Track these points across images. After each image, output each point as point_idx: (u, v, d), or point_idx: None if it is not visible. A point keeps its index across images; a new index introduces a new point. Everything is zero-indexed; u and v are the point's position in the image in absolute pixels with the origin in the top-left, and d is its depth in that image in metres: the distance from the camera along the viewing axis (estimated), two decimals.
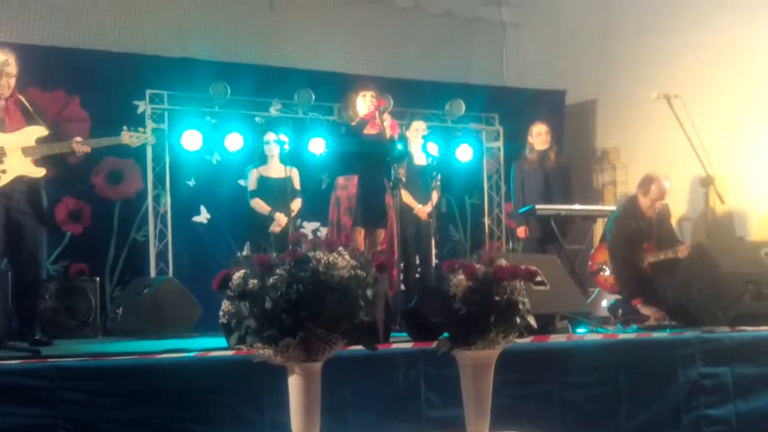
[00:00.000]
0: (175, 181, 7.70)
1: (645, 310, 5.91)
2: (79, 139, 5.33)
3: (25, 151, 5.13)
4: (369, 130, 6.27)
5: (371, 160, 6.12)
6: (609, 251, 6.41)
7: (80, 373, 3.39)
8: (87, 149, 5.34)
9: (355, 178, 6.26)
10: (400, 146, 6.25)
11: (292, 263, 3.01)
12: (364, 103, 6.26)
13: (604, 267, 6.72)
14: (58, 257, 7.23)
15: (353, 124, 6.27)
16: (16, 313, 4.69)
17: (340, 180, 6.41)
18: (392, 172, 5.87)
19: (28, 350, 4.24)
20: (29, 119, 5.24)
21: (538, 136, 7.69)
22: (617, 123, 9.03)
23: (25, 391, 3.27)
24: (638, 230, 6.26)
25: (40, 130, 5.22)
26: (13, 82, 5.20)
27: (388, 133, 6.12)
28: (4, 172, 5.07)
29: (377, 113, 6.11)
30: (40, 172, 5.19)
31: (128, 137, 5.62)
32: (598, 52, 9.05)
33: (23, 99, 5.29)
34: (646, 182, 6.29)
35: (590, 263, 7.05)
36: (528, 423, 3.80)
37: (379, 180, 6.10)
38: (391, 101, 8.02)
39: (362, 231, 6.20)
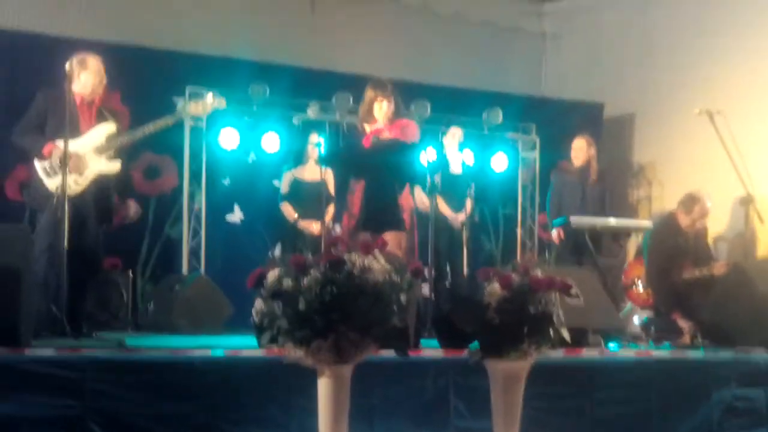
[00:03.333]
0: (211, 180, 7.74)
1: (683, 324, 5.85)
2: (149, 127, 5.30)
3: (98, 149, 5.18)
4: (383, 135, 5.88)
5: (375, 166, 5.93)
6: (646, 266, 6.36)
7: (111, 366, 3.41)
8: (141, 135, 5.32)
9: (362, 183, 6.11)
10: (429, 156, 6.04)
11: (327, 265, 3.00)
12: (379, 110, 5.82)
13: (637, 282, 6.65)
14: None
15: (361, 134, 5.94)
16: (68, 307, 4.71)
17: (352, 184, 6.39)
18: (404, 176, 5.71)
19: (115, 342, 4.31)
20: (100, 118, 5.28)
21: (579, 151, 7.60)
22: (655, 138, 8.94)
23: (56, 382, 3.30)
24: (676, 247, 6.20)
25: (109, 127, 5.24)
26: (100, 88, 5.28)
27: (405, 139, 5.81)
28: (81, 176, 5.12)
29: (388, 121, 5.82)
30: (114, 168, 5.21)
31: (191, 108, 5.53)
32: (637, 65, 8.98)
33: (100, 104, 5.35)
34: (690, 201, 6.24)
35: (624, 278, 6.98)
36: None
37: (387, 183, 5.89)
38: (428, 107, 8.02)
39: (366, 235, 6.02)
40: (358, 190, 6.09)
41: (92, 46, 6.98)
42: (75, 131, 5.09)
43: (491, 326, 3.31)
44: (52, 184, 5.03)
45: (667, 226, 6.34)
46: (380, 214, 5.79)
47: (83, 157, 5.10)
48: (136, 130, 5.27)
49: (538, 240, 8.95)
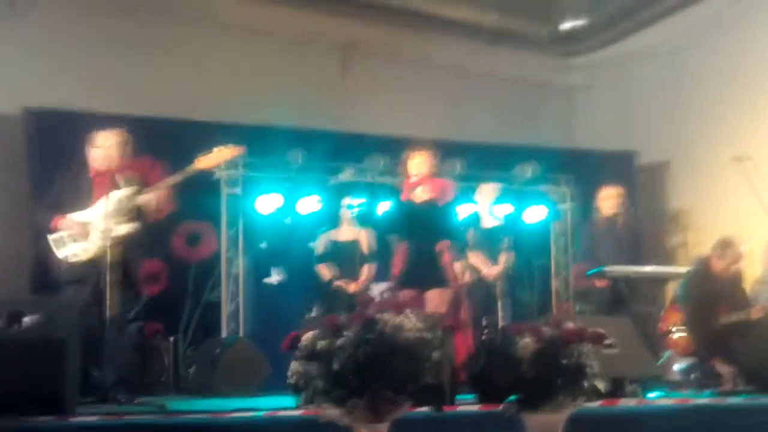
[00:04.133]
0: (248, 244, 7.88)
1: (724, 369, 5.79)
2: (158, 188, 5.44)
3: (107, 216, 5.30)
4: (420, 196, 6.06)
5: (417, 225, 6.06)
6: (684, 312, 6.33)
7: (153, 430, 3.48)
8: (165, 192, 5.45)
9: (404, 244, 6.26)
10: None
11: (360, 325, 3.07)
12: (413, 165, 6.01)
13: (675, 329, 6.59)
14: (135, 316, 7.43)
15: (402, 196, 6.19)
16: (102, 372, 4.83)
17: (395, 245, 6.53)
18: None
19: (158, 407, 4.42)
20: (114, 186, 5.43)
21: (607, 200, 7.62)
22: (690, 184, 8.92)
23: None
24: (712, 292, 6.17)
25: (122, 193, 5.38)
26: (114, 161, 5.48)
27: (442, 199, 5.98)
28: (90, 244, 5.25)
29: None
30: (130, 229, 5.31)
31: (202, 162, 5.56)
32: (668, 114, 9.01)
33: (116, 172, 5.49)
34: (723, 246, 6.23)
35: (661, 324, 6.92)
36: None
37: (428, 242, 6.01)
38: (459, 164, 8.12)
39: (408, 293, 6.11)
40: (400, 251, 6.22)
41: (132, 120, 7.30)
42: (88, 203, 5.31)
43: (525, 380, 3.33)
44: (62, 254, 5.25)
45: (702, 271, 6.32)
46: (423, 271, 5.91)
47: (87, 225, 5.25)
48: (148, 191, 5.40)
49: (574, 291, 8.92)
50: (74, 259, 5.22)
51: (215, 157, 5.58)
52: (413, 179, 5.95)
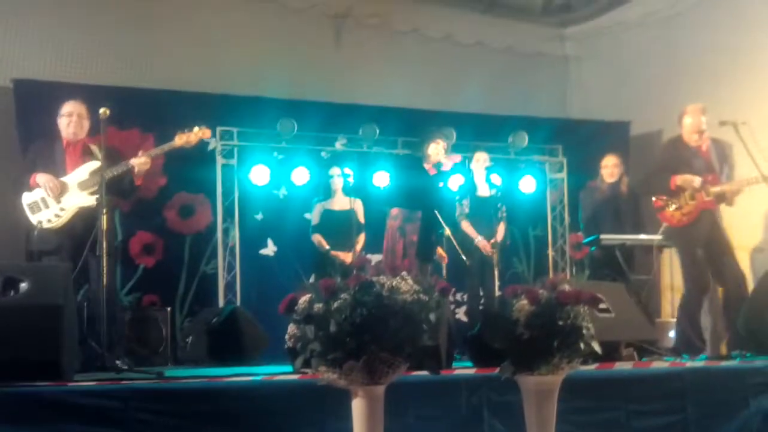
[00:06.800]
0: (244, 215, 7.88)
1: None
2: (139, 158, 5.45)
3: (81, 185, 5.38)
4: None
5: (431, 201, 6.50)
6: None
7: (152, 395, 3.49)
8: (146, 163, 5.45)
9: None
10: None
11: (357, 287, 3.07)
12: (435, 149, 6.97)
13: (670, 203, 6.37)
14: (131, 289, 7.46)
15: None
16: (97, 341, 4.85)
17: (393, 211, 6.66)
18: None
19: (153, 374, 4.44)
20: (86, 157, 5.50)
21: (608, 168, 7.64)
22: None
23: (99, 412, 3.39)
24: (678, 157, 6.18)
25: (93, 164, 5.43)
26: (81, 130, 5.54)
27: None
28: (63, 210, 5.32)
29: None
30: (92, 201, 5.31)
31: (181, 139, 5.66)
32: (662, 81, 8.98)
33: (89, 143, 5.57)
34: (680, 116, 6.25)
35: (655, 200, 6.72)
36: None
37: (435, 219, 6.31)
38: (454, 135, 8.12)
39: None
40: (390, 224, 6.44)
41: (125, 91, 7.30)
42: (62, 171, 5.38)
43: (521, 341, 3.35)
44: (35, 219, 5.32)
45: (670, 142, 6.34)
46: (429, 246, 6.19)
47: (66, 185, 5.32)
48: (117, 165, 5.39)
49: (570, 259, 8.95)
50: (48, 225, 5.26)
51: (195, 136, 5.69)
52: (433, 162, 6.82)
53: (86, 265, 5.24)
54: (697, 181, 6.03)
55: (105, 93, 6.74)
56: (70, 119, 5.50)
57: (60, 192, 5.31)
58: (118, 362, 4.80)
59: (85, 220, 5.27)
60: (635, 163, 9.01)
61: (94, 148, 5.52)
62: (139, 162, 5.42)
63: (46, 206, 5.33)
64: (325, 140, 8.15)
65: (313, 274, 7.16)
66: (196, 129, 5.75)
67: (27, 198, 5.38)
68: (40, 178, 5.33)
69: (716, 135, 7.04)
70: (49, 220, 5.30)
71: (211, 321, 6.53)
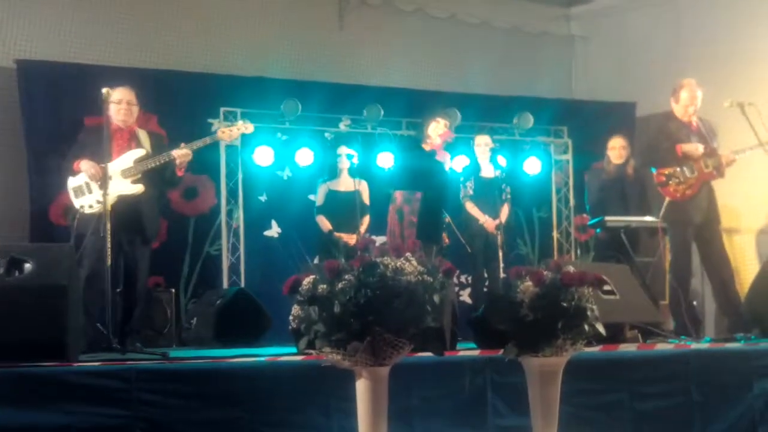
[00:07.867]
0: (248, 197, 7.87)
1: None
2: (181, 150, 5.49)
3: (125, 173, 5.40)
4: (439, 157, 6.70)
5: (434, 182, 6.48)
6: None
7: (157, 376, 3.51)
8: (188, 155, 5.50)
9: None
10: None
11: (361, 269, 3.07)
12: (436, 129, 6.73)
13: (669, 181, 6.36)
14: None
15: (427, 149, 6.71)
16: (113, 324, 4.90)
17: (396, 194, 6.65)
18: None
19: (158, 354, 4.48)
20: (133, 143, 5.54)
21: (615, 150, 7.61)
22: None
23: (104, 392, 3.41)
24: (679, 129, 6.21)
25: (138, 152, 5.48)
26: (130, 117, 5.58)
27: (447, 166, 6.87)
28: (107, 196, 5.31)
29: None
30: (137, 190, 5.39)
31: (224, 133, 5.82)
32: (668, 62, 8.92)
33: (137, 129, 5.63)
34: (676, 89, 6.29)
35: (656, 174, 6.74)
36: None
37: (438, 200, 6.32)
38: (459, 116, 8.09)
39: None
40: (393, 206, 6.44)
41: (128, 72, 7.27)
42: (108, 156, 5.33)
43: (525, 323, 3.35)
44: (78, 203, 5.36)
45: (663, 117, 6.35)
46: (432, 228, 6.16)
47: (109, 172, 5.28)
48: (160, 155, 5.47)
49: (575, 241, 8.94)
50: (90, 211, 5.28)
51: (237, 130, 5.90)
52: (435, 142, 6.68)
53: (124, 252, 5.33)
54: (700, 147, 6.03)
55: (108, 73, 6.72)
56: (119, 106, 5.50)
57: (101, 179, 5.30)
58: (138, 344, 4.91)
59: (127, 206, 5.31)
60: (641, 144, 8.98)
61: (142, 133, 5.59)
62: (181, 154, 5.47)
63: (90, 191, 5.36)
64: (330, 121, 8.12)
65: (317, 255, 7.16)
66: (239, 123, 5.94)
67: (72, 182, 5.43)
68: (84, 164, 5.33)
69: (724, 116, 7.03)
70: (91, 206, 5.32)
71: (216, 302, 6.53)
